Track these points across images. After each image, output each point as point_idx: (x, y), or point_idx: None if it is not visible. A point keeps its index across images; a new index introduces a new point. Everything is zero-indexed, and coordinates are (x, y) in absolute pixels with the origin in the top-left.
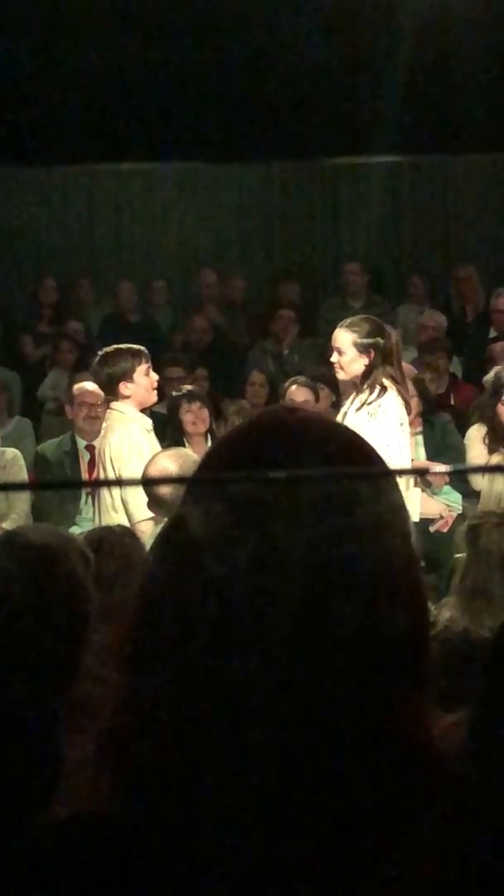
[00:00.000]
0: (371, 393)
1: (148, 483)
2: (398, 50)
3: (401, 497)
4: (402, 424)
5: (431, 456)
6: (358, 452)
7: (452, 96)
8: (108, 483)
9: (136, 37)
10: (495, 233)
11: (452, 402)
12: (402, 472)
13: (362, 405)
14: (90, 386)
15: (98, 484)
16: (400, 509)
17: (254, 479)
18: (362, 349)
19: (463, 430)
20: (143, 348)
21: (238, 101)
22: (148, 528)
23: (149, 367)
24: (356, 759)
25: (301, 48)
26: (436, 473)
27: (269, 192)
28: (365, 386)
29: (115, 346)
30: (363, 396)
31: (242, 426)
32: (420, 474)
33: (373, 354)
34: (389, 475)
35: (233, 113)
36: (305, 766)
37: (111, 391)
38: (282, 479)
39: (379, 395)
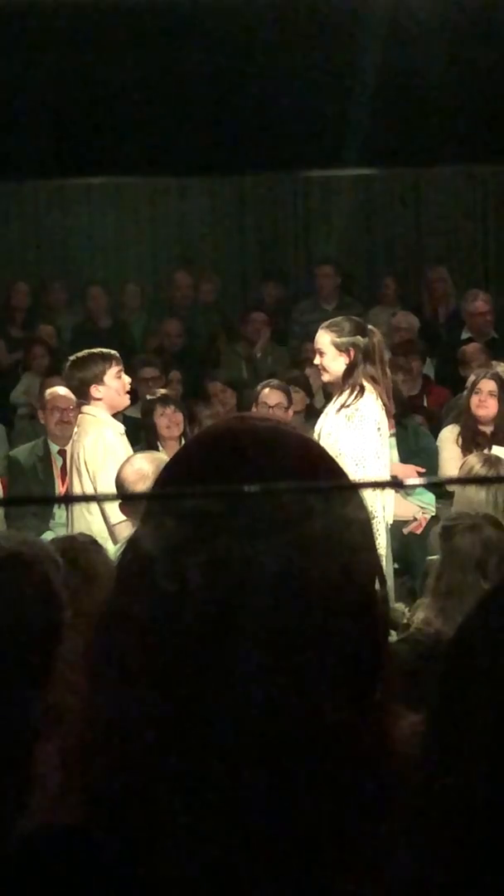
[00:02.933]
0: (350, 394)
1: (113, 499)
2: (368, 66)
3: (364, 508)
4: (379, 429)
5: (404, 458)
6: (314, 459)
7: (421, 111)
8: (84, 499)
9: (107, 53)
10: (466, 234)
11: (425, 404)
12: (374, 486)
13: (341, 407)
14: (62, 391)
15: (69, 500)
16: (362, 521)
17: (234, 493)
18: (342, 348)
19: (436, 431)
20: (113, 352)
21: (208, 117)
22: (124, 530)
23: (120, 371)
24: (317, 767)
25: (272, 63)
26: (407, 486)
27: (242, 205)
28: (346, 386)
29: (87, 350)
30: (342, 398)
31: (191, 441)
32: (391, 487)
33: (352, 353)
34: (362, 487)
35: (203, 128)
36: (269, 775)
37: (83, 395)
38: (251, 493)
39: (356, 398)
